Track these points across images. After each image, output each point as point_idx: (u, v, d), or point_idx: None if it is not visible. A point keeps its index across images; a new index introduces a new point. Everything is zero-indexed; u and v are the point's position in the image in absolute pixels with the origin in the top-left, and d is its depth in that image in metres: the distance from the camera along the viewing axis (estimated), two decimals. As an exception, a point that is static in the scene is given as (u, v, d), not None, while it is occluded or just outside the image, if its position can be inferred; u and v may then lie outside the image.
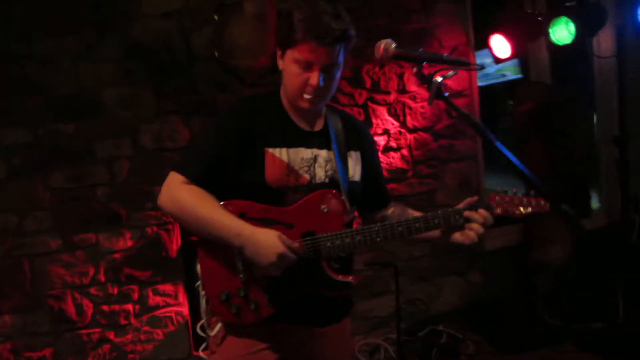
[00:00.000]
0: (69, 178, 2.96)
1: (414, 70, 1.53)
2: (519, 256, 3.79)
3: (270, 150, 1.58)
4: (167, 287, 3.15)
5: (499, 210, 1.60)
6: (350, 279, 1.59)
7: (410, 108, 3.63)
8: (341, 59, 1.56)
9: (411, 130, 3.63)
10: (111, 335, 3.08)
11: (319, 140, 1.66)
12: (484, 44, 3.55)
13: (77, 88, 2.95)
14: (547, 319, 3.63)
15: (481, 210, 1.57)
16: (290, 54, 1.54)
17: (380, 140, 3.56)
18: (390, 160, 3.60)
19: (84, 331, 3.03)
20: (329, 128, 1.68)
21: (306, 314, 1.62)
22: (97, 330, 3.06)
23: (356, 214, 1.85)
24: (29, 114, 2.89)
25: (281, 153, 1.58)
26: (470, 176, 3.76)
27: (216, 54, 3.10)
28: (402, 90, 3.60)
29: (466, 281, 3.84)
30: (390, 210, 1.87)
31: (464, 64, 1.62)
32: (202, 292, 1.60)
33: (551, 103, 3.75)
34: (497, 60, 3.57)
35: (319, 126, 1.69)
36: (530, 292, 3.72)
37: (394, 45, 1.51)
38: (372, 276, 3.53)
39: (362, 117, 3.51)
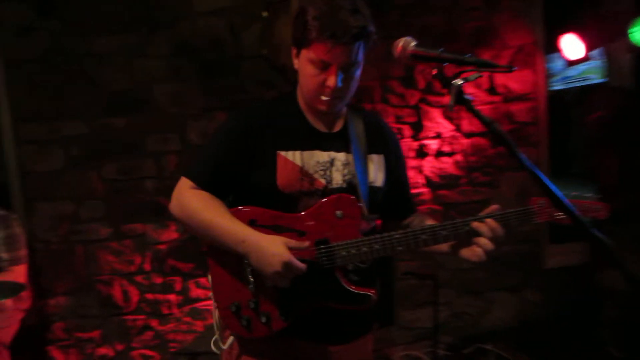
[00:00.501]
0: (120, 170, 3.10)
1: (434, 72, 1.40)
2: (582, 277, 3.46)
3: (283, 153, 1.51)
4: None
5: (542, 218, 1.45)
6: (369, 292, 1.47)
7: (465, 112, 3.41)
8: (360, 57, 1.46)
9: (467, 135, 3.42)
10: (154, 323, 3.20)
11: (337, 142, 1.56)
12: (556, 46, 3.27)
13: (130, 84, 3.07)
14: (611, 349, 3.29)
15: (489, 221, 1.42)
16: (305, 54, 1.46)
17: (432, 144, 3.39)
18: (442, 166, 3.42)
19: (129, 317, 3.17)
20: (349, 129, 1.58)
21: (321, 330, 1.54)
22: (141, 317, 3.18)
23: (379, 222, 1.76)
24: (86, 108, 3.05)
25: (294, 156, 1.51)
26: (530, 187, 3.48)
27: (264, 51, 3.10)
28: (459, 92, 3.39)
29: (521, 298, 3.57)
30: (409, 219, 1.76)
31: (490, 66, 1.45)
32: (214, 304, 1.58)
33: (629, 111, 3.37)
34: (569, 62, 3.28)
35: (337, 127, 1.59)
36: (593, 318, 3.39)
37: (413, 43, 1.36)
38: (417, 285, 3.38)
39: (414, 119, 3.36)
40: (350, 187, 1.53)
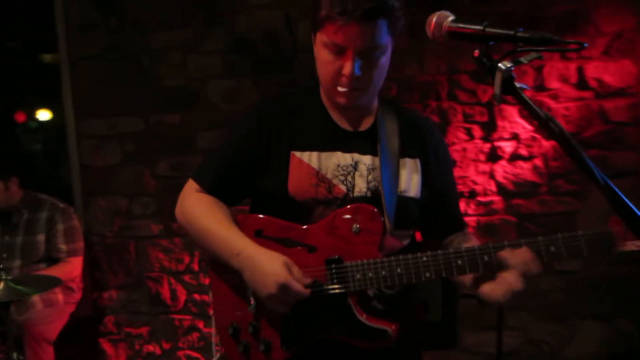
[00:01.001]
0: (172, 167, 3.07)
1: (476, 53, 1.11)
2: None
3: (297, 154, 1.29)
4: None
5: (627, 245, 1.10)
6: (386, 326, 1.20)
7: (549, 109, 2.98)
8: (385, 39, 1.20)
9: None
10: (200, 325, 3.13)
11: (363, 142, 1.31)
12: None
13: (185, 80, 3.03)
14: None
15: (521, 252, 1.10)
16: (319, 37, 1.23)
17: (507, 147, 3.00)
18: (517, 171, 3.01)
19: (176, 316, 3.13)
20: (379, 127, 1.33)
21: None
22: (188, 317, 3.13)
23: (418, 236, 1.48)
24: (143, 104, 3.06)
25: (310, 157, 1.28)
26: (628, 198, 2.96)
27: (319, 45, 2.92)
28: (540, 87, 2.98)
29: (611, 328, 3.05)
30: (450, 239, 1.44)
31: (551, 43, 1.09)
32: (213, 322, 1.40)
33: None
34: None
35: (366, 126, 1.34)
36: None
37: (450, 18, 1.08)
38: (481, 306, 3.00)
39: (485, 118, 2.99)
40: (375, 196, 1.28)
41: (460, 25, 1.10)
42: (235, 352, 1.32)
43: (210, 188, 1.34)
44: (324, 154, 1.29)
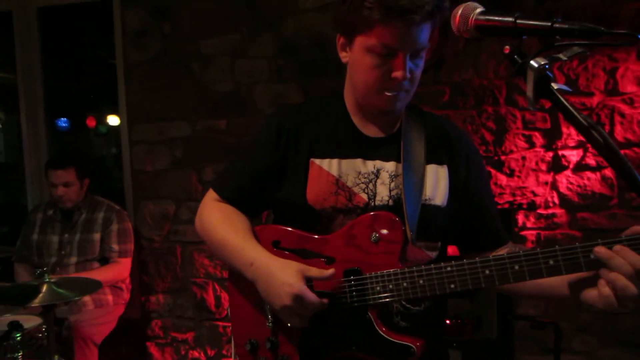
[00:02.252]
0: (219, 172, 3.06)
1: (506, 49, 0.97)
2: None
3: (317, 161, 1.23)
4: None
5: None
6: (409, 342, 1.12)
7: (622, 115, 2.72)
8: (428, 39, 1.15)
9: (622, 145, 2.71)
10: (244, 332, 3.09)
11: (387, 149, 1.25)
12: None
13: (233, 85, 3.02)
14: None
15: (619, 248, 0.95)
16: (363, 41, 1.15)
17: (572, 156, 2.76)
18: (584, 182, 2.76)
19: (220, 323, 3.11)
20: (403, 133, 1.25)
21: None
22: (230, 325, 3.10)
23: (451, 251, 1.36)
24: (191, 109, 3.07)
25: (330, 165, 1.23)
26: None
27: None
28: (612, 92, 2.72)
29: (693, 361, 2.73)
30: (501, 251, 1.31)
31: (595, 34, 0.93)
32: (233, 338, 1.36)
33: None
34: None
35: (390, 132, 1.27)
36: None
37: (478, 10, 0.96)
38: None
39: (547, 125, 2.77)
40: (397, 205, 1.21)
41: (489, 17, 0.97)
42: None
43: (229, 197, 1.31)
44: (344, 161, 1.23)
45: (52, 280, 2.00)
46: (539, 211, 2.80)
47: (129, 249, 2.91)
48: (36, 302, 1.89)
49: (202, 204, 1.36)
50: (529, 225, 2.80)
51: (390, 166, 1.23)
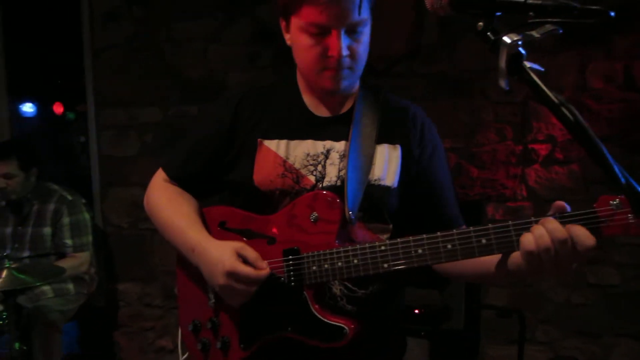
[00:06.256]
0: (190, 160, 3.01)
1: (479, 26, 0.96)
2: None
3: (266, 142, 1.22)
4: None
5: (613, 229, 0.94)
6: (342, 323, 1.11)
7: (590, 111, 2.77)
8: (366, 12, 1.13)
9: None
10: (214, 322, 3.07)
11: (339, 128, 1.23)
12: None
13: (205, 71, 2.97)
14: None
15: (547, 221, 0.94)
16: (296, 21, 1.15)
17: (541, 150, 2.81)
18: (552, 176, 2.81)
19: (189, 312, 3.07)
20: (355, 111, 1.23)
21: None
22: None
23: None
24: (163, 94, 3.01)
25: (278, 146, 1.21)
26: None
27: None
28: (582, 87, 2.77)
29: (652, 350, 2.82)
30: None
31: (572, 12, 0.90)
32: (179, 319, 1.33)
33: None
34: None
35: (343, 111, 1.26)
36: None
37: None
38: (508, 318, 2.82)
39: (517, 119, 2.81)
40: (344, 185, 1.18)
41: None
42: (195, 349, 1.26)
43: (177, 177, 1.30)
44: (293, 142, 1.22)
45: (13, 266, 1.94)
46: (508, 204, 2.84)
47: (85, 242, 2.77)
48: (-5, 286, 1.82)
49: (151, 184, 1.34)
50: (498, 217, 2.84)
51: (340, 146, 1.21)
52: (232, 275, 1.09)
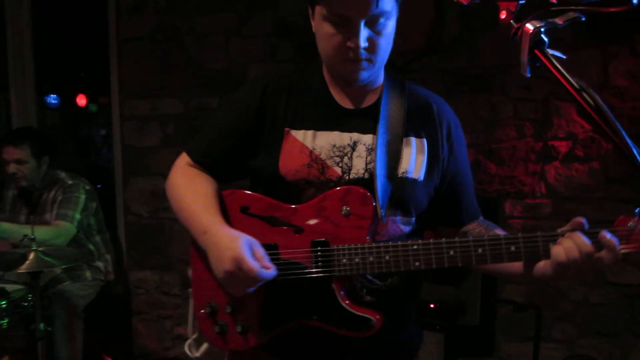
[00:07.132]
0: (210, 151, 3.05)
1: (502, 14, 0.97)
2: None
3: (293, 132, 1.23)
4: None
5: (629, 246, 1.04)
6: (370, 315, 1.14)
7: (613, 108, 2.73)
8: (389, 4, 1.13)
9: (611, 139, 2.74)
10: (230, 311, 3.11)
11: (365, 121, 1.23)
12: None
13: (227, 63, 3.00)
14: None
15: (574, 235, 1.03)
16: (320, 10, 1.16)
17: (561, 147, 2.78)
18: (572, 173, 2.79)
19: (206, 301, 3.12)
20: (381, 104, 1.24)
21: (310, 358, 1.23)
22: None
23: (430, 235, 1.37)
24: (184, 86, 3.05)
25: (305, 136, 1.22)
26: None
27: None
28: (604, 85, 2.74)
29: (671, 351, 2.79)
30: (470, 227, 1.33)
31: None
32: (191, 301, 1.32)
33: None
34: None
35: (369, 103, 1.26)
36: None
37: None
38: (523, 314, 2.81)
39: (538, 115, 2.79)
40: (372, 178, 1.20)
41: None
42: (211, 332, 1.24)
43: (200, 161, 1.30)
44: (320, 133, 1.22)
45: (40, 248, 2.00)
46: (526, 200, 2.83)
47: (69, 214, 2.68)
48: (23, 268, 1.88)
49: (173, 167, 1.35)
50: (515, 214, 2.83)
51: (367, 139, 1.22)
52: (239, 262, 1.09)
